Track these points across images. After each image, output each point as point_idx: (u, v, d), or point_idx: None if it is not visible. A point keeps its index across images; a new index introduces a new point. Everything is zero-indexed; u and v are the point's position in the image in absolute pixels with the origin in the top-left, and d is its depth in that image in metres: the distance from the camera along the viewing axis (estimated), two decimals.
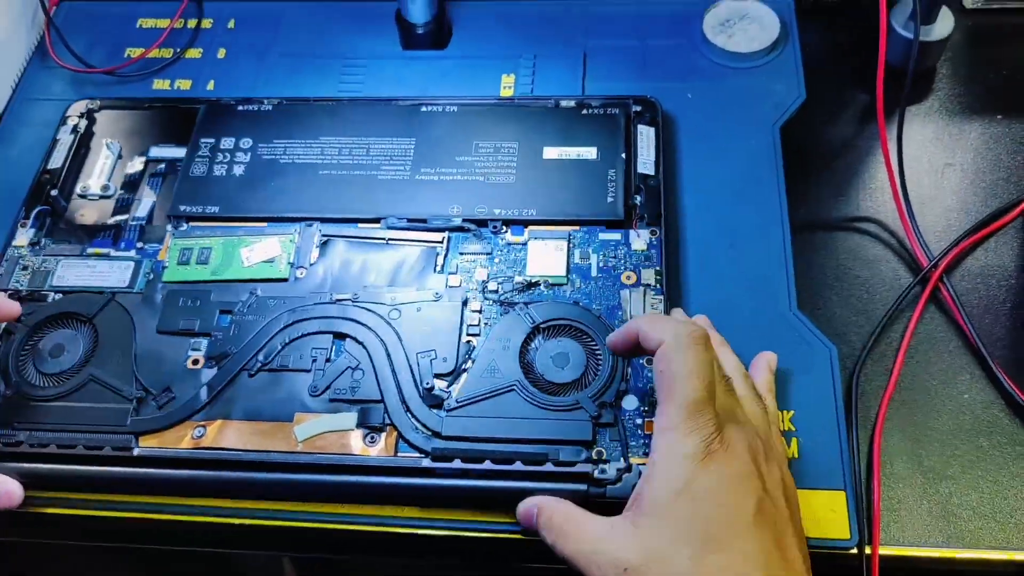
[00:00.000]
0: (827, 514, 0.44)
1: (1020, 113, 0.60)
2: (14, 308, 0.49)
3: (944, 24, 0.60)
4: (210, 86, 0.64)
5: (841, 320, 0.52)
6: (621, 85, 0.60)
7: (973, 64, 0.62)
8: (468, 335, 0.49)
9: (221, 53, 0.65)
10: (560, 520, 0.41)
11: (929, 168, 0.58)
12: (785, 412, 0.47)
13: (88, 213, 0.56)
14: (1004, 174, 0.57)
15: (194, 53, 0.66)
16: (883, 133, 0.53)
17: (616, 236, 0.52)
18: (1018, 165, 0.57)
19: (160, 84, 0.64)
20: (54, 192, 0.57)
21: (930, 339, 0.52)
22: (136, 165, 0.58)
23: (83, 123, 0.60)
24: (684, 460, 0.38)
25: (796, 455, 0.46)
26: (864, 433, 0.48)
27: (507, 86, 0.61)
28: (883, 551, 0.45)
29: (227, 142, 0.57)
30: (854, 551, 0.44)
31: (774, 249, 0.52)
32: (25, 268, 0.53)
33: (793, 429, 0.47)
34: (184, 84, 0.64)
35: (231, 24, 0.67)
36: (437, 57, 0.64)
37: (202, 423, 0.47)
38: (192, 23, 0.67)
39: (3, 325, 0.51)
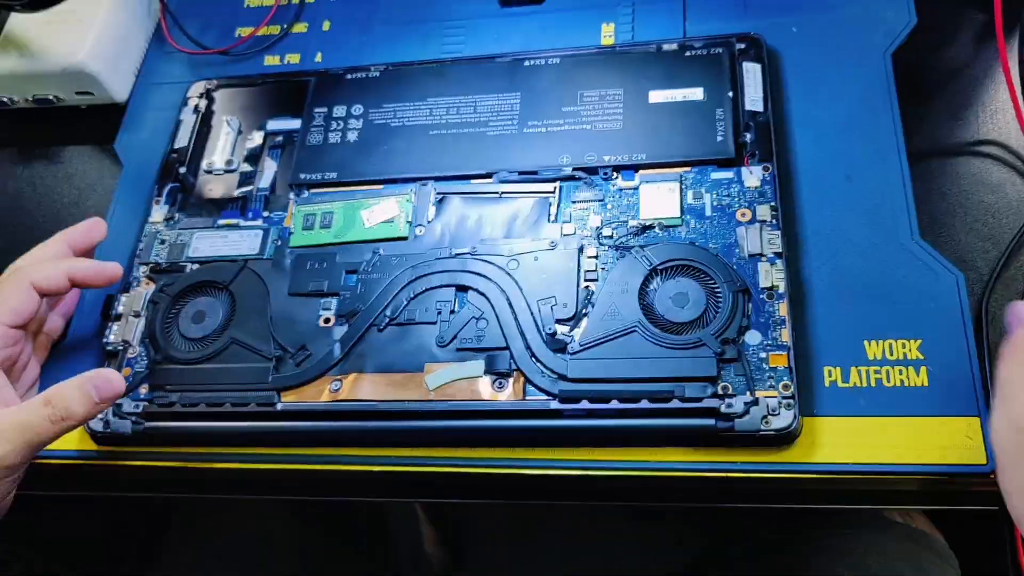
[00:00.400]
0: (962, 440, 0.44)
1: None
2: (116, 270, 0.52)
3: None
4: (318, 58, 0.65)
5: (966, 247, 0.51)
6: (723, 24, 0.59)
7: None
8: (586, 281, 0.50)
9: (326, 26, 0.67)
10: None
11: None
12: (912, 341, 0.47)
13: (215, 187, 0.59)
14: None
15: (300, 28, 0.68)
16: (1002, 47, 0.51)
17: (728, 175, 0.52)
18: None
19: (271, 60, 0.66)
20: (182, 170, 0.60)
21: None
22: (256, 139, 0.61)
23: (203, 103, 0.63)
24: None
25: (926, 383, 0.45)
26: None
27: (607, 35, 0.61)
28: None
29: (339, 110, 0.59)
30: (992, 476, 0.43)
31: (892, 178, 0.51)
32: (163, 242, 0.57)
33: (922, 357, 0.46)
34: (293, 58, 0.66)
35: None
36: (535, 12, 0.64)
37: (338, 377, 0.50)
38: None
39: (148, 295, 0.54)
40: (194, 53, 0.67)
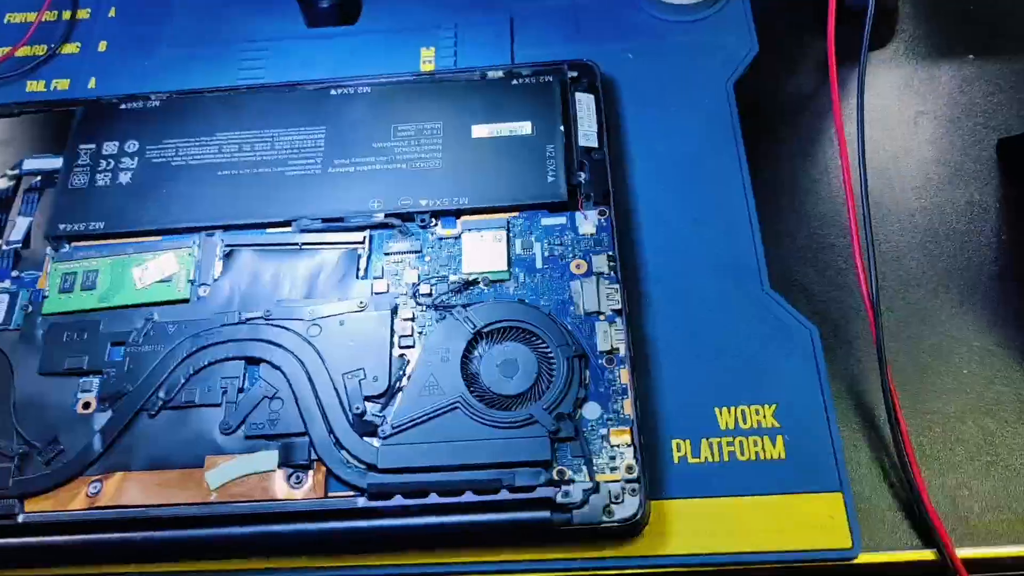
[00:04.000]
0: (825, 520, 0.39)
1: (991, 51, 0.54)
2: None
3: None
4: (91, 84, 0.56)
5: (820, 296, 0.47)
6: (554, 50, 0.54)
7: (936, 1, 0.57)
8: (401, 348, 0.43)
9: (102, 46, 0.58)
10: None
11: (900, 118, 0.53)
12: (767, 406, 0.42)
13: None
14: (982, 119, 0.52)
15: (71, 48, 0.58)
16: (834, 85, 0.47)
17: (560, 220, 0.46)
18: (995, 107, 0.52)
19: (34, 86, 0.57)
20: None
21: (918, 311, 0.46)
22: (7, 180, 0.51)
23: None
24: None
25: (783, 455, 0.40)
26: (854, 421, 0.43)
27: (427, 60, 0.55)
28: (887, 557, 0.39)
29: (110, 147, 0.50)
30: (857, 560, 0.38)
31: (739, 222, 0.47)
32: None
33: (778, 425, 0.41)
34: (62, 84, 0.56)
35: (112, 13, 0.60)
36: (347, 33, 0.57)
37: (97, 477, 0.41)
38: (67, 15, 0.59)
39: None
40: None
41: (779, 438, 0.41)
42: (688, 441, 0.41)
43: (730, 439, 0.41)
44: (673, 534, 0.39)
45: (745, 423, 0.42)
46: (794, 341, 0.43)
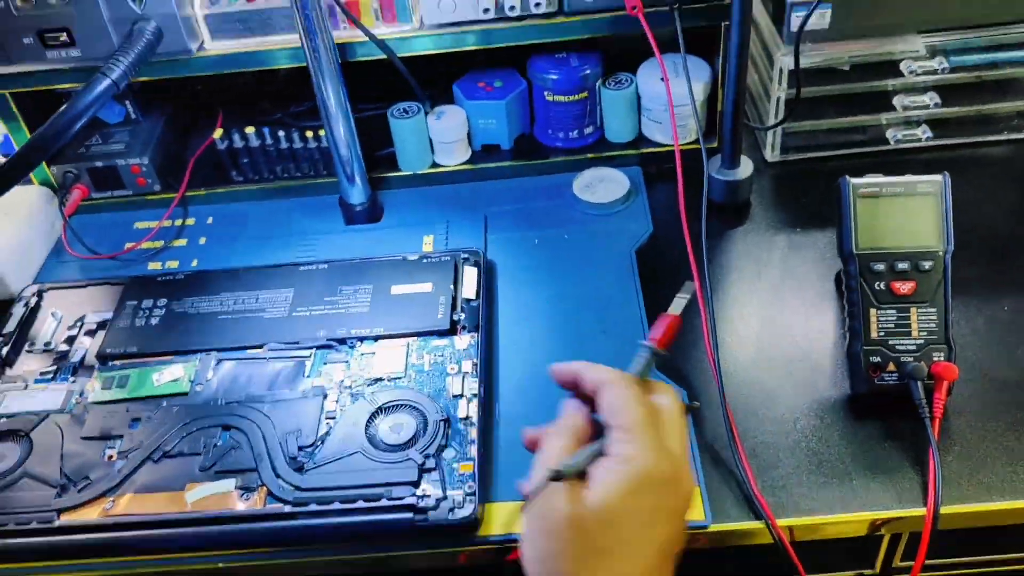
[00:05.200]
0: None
1: (811, 227, 0.79)
2: None
3: (746, 168, 0.79)
4: (194, 263, 0.81)
5: (688, 374, 0.67)
6: (515, 235, 0.80)
7: (776, 198, 0.83)
8: (327, 419, 0.63)
9: (202, 240, 0.84)
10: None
11: (746, 271, 0.76)
12: None
13: (33, 364, 0.71)
14: (804, 268, 0.76)
15: (180, 242, 0.84)
16: (691, 253, 0.70)
17: (444, 342, 0.68)
18: (808, 263, 0.76)
19: (154, 265, 0.82)
20: (5, 349, 0.71)
21: (754, 380, 0.66)
22: (74, 326, 0.74)
23: (34, 299, 0.76)
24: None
25: None
26: (709, 443, 0.62)
27: (427, 243, 0.80)
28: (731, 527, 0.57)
29: (147, 303, 0.74)
30: (710, 529, 0.57)
31: (633, 330, 0.69)
32: None
33: None
34: (172, 264, 0.82)
35: (210, 220, 0.86)
36: (374, 228, 0.83)
37: (112, 499, 0.60)
38: (179, 221, 0.86)
39: None
40: (86, 258, 0.81)
41: None
42: None
43: None
44: None
45: None
46: None
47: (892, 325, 0.62)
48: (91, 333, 0.73)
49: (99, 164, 0.85)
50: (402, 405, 0.63)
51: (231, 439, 0.63)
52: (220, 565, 0.58)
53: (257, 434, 0.62)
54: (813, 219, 0.80)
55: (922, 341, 0.61)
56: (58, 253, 0.84)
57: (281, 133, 0.85)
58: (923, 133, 0.84)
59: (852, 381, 0.64)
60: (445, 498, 0.58)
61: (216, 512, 0.58)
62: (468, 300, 0.71)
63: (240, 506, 0.59)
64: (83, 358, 0.71)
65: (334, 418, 0.63)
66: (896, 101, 0.83)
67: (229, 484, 0.60)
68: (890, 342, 0.62)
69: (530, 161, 0.87)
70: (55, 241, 0.85)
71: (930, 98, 0.82)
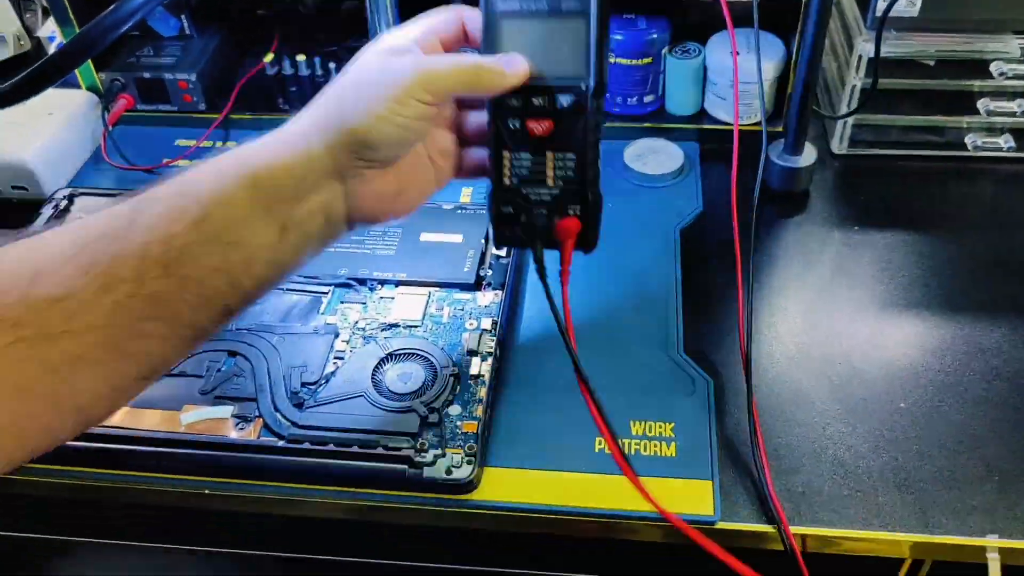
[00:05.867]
0: (697, 497, 0.54)
1: (871, 226, 0.74)
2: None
3: (808, 155, 0.75)
4: None
5: (719, 363, 0.63)
6: None
7: (838, 192, 0.78)
8: (335, 359, 0.61)
9: None
10: None
11: (797, 264, 0.71)
12: (668, 423, 0.58)
13: None
14: (859, 269, 0.71)
15: None
16: (736, 237, 0.66)
17: (467, 296, 0.65)
18: (866, 263, 0.71)
19: None
20: None
21: (787, 378, 0.63)
22: None
23: (64, 203, 0.75)
24: None
25: (675, 454, 0.56)
26: (730, 440, 0.59)
27: (465, 195, 0.76)
28: (740, 527, 0.54)
29: None
30: (717, 526, 0.54)
31: (670, 312, 0.66)
32: None
33: (674, 436, 0.57)
34: None
35: None
36: None
37: None
38: (220, 144, 0.84)
39: None
40: (124, 168, 0.80)
41: (673, 443, 0.57)
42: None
43: (638, 441, 0.57)
44: (585, 494, 0.55)
45: (651, 432, 0.58)
46: (695, 386, 0.60)
47: (526, 172, 0.51)
48: None
49: (147, 75, 0.83)
50: (413, 354, 0.61)
51: (235, 365, 0.61)
52: (207, 491, 0.56)
53: (262, 364, 0.60)
54: (874, 219, 0.75)
55: (558, 191, 0.51)
56: (96, 160, 0.83)
57: (332, 65, 0.83)
58: (1005, 143, 0.79)
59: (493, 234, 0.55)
60: (443, 455, 0.55)
61: (208, 437, 0.57)
62: (498, 257, 0.68)
63: (234, 434, 0.57)
64: None
65: (342, 359, 0.61)
66: (980, 104, 0.78)
67: (226, 411, 0.58)
68: (524, 191, 0.51)
69: None
70: (94, 148, 0.84)
71: (1018, 105, 0.77)
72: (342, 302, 0.65)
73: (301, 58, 0.82)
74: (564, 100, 0.48)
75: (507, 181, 0.51)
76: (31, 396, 0.39)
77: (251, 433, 0.57)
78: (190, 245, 0.41)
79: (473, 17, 0.49)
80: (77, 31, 0.81)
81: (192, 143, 0.83)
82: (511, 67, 0.47)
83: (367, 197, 0.47)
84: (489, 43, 0.48)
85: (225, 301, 0.43)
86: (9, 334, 0.37)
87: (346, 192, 0.46)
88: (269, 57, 0.83)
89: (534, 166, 0.50)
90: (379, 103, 0.44)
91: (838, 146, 0.81)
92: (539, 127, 0.49)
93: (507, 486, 0.55)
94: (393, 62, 0.45)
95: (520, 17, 0.48)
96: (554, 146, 0.50)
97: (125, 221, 0.41)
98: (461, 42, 0.50)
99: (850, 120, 0.78)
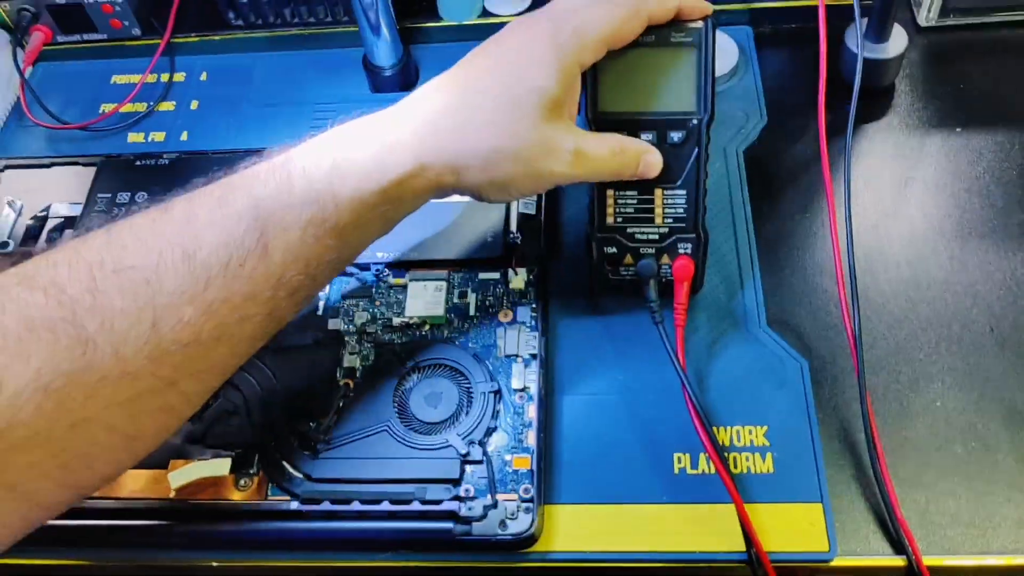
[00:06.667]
0: (805, 527, 0.44)
1: (977, 125, 0.60)
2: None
3: (897, 42, 0.60)
4: (183, 136, 0.65)
5: (811, 335, 0.52)
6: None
7: (931, 80, 0.63)
8: (345, 378, 0.50)
9: (194, 105, 0.67)
10: None
11: (891, 182, 0.58)
12: (759, 427, 0.48)
13: None
14: (965, 184, 0.57)
15: (167, 106, 0.67)
16: (824, 156, 0.53)
17: (495, 275, 0.53)
18: (979, 175, 0.58)
19: (134, 137, 0.66)
20: None
21: (899, 349, 0.51)
22: (35, 222, 0.59)
23: None
24: None
25: (772, 469, 0.46)
26: (836, 445, 0.48)
27: None
28: (862, 562, 0.45)
29: (123, 196, 0.59)
30: (834, 563, 0.44)
31: (742, 268, 0.54)
32: None
33: (768, 444, 0.47)
34: (158, 136, 0.65)
35: (203, 77, 0.69)
36: None
37: None
38: (165, 77, 0.69)
39: None
40: (53, 127, 0.66)
41: (769, 455, 0.47)
42: (688, 455, 0.47)
43: (726, 454, 0.47)
44: (671, 533, 0.45)
45: (739, 441, 0.48)
46: (786, 372, 0.49)
47: (632, 210, 0.48)
48: (57, 230, 0.59)
49: (61, 1, 0.67)
50: (440, 365, 0.50)
51: (225, 398, 0.49)
52: (215, 564, 0.47)
53: (256, 395, 0.49)
54: (981, 112, 0.61)
55: (667, 230, 0.49)
56: (18, 117, 0.68)
57: None
58: None
59: (590, 278, 0.52)
60: (494, 505, 0.45)
61: (205, 503, 0.46)
62: (527, 216, 0.55)
63: (236, 495, 0.47)
64: None
65: (354, 378, 0.50)
66: None
67: (223, 465, 0.47)
68: (629, 230, 0.49)
69: None
70: (13, 101, 0.69)
71: None
72: (344, 297, 0.53)
73: None
74: (675, 136, 0.47)
75: (611, 220, 0.49)
76: (139, 441, 0.38)
77: (255, 492, 0.47)
78: (323, 271, 0.41)
79: None
80: None
81: (133, 79, 0.69)
82: (652, 168, 0.46)
83: None
84: (595, 75, 0.46)
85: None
86: (127, 388, 0.35)
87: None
88: None
89: (641, 204, 0.49)
90: (514, 185, 0.43)
91: (926, 17, 0.65)
92: None
93: (573, 531, 0.46)
94: (550, 138, 0.42)
95: (627, 48, 0.45)
96: (663, 182, 0.48)
97: (254, 249, 0.38)
98: None
99: None
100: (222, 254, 0.38)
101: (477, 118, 0.41)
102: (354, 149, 0.41)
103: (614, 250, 0.50)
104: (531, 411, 0.48)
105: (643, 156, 0.46)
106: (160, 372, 0.36)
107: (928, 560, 0.44)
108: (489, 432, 0.47)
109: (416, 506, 0.45)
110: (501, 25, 0.45)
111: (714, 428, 0.48)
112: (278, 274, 0.39)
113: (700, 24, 0.46)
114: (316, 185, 0.40)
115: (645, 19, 0.44)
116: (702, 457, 0.47)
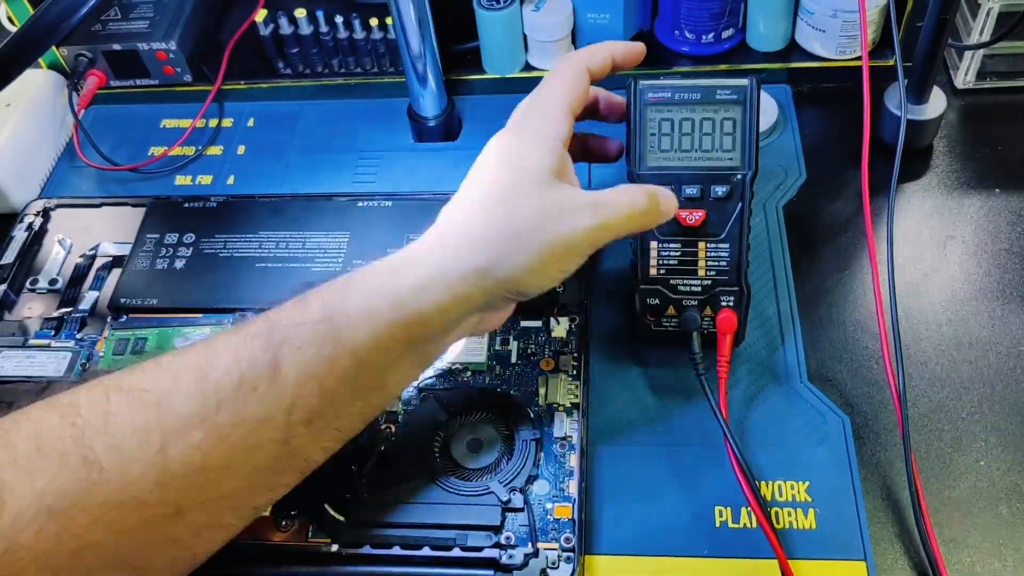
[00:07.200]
0: None
1: (1016, 186, 0.61)
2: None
3: (936, 104, 0.61)
4: (230, 180, 0.67)
5: (853, 392, 0.52)
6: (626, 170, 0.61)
7: (968, 141, 0.64)
8: (387, 423, 0.50)
9: (241, 150, 0.69)
10: None
11: (931, 241, 0.59)
12: (801, 483, 0.48)
13: (35, 306, 0.58)
14: (1006, 244, 0.58)
15: (215, 150, 0.69)
16: (867, 213, 0.53)
17: (537, 324, 0.53)
18: (1019, 235, 0.58)
19: (182, 180, 0.67)
20: (2, 287, 0.59)
21: (941, 407, 0.51)
22: (84, 260, 0.60)
23: (38, 221, 0.62)
24: None
25: (815, 525, 0.46)
26: (879, 502, 0.48)
27: None
28: None
29: (171, 237, 0.60)
30: None
31: (783, 322, 0.54)
32: None
33: (810, 499, 0.47)
34: (205, 179, 0.67)
35: (251, 123, 0.71)
36: (449, 148, 0.67)
37: None
38: (213, 122, 0.71)
39: None
40: (103, 168, 0.67)
41: (811, 510, 0.47)
42: (730, 508, 0.47)
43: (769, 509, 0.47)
44: None
45: (781, 496, 0.47)
46: (828, 428, 0.49)
47: (675, 262, 0.50)
48: (105, 269, 0.60)
49: (116, 47, 0.69)
50: (483, 411, 0.50)
51: None
52: None
53: None
54: (1019, 173, 0.61)
55: (709, 283, 0.49)
56: (70, 157, 0.70)
57: (339, 19, 0.68)
58: None
59: (632, 327, 0.52)
60: (536, 554, 0.45)
61: (248, 543, 0.46)
62: None
63: (277, 537, 0.47)
64: (93, 307, 0.58)
65: (396, 421, 0.50)
66: None
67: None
68: (671, 281, 0.50)
69: (648, 69, 0.68)
70: (66, 142, 0.71)
71: None
72: None
73: (300, 14, 0.68)
74: (720, 190, 0.48)
75: (654, 272, 0.50)
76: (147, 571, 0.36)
77: (296, 533, 0.47)
78: (341, 397, 0.39)
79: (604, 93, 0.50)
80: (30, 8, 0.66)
81: (183, 124, 0.70)
82: (669, 206, 0.45)
83: (495, 318, 0.47)
84: (638, 132, 0.48)
85: (353, 436, 0.42)
86: (133, 515, 0.34)
87: (481, 317, 0.44)
88: (261, 14, 0.68)
89: (684, 256, 0.50)
90: (546, 262, 0.40)
91: (963, 80, 0.66)
92: (692, 217, 0.49)
93: None
94: (563, 198, 0.41)
95: (671, 104, 0.47)
96: (707, 235, 0.49)
97: (266, 368, 0.37)
98: (587, 112, 0.50)
99: (981, 49, 0.64)
100: (234, 374, 0.37)
101: (485, 216, 0.41)
102: (369, 267, 0.41)
103: (657, 301, 0.50)
104: (573, 460, 0.48)
105: (658, 192, 0.44)
106: (167, 497, 0.35)
107: None
108: (531, 480, 0.47)
109: (457, 552, 0.45)
110: (540, 79, 0.47)
111: (757, 483, 0.47)
112: (291, 396, 0.37)
113: (746, 81, 0.47)
114: (328, 301, 0.39)
115: (585, 73, 0.46)
116: (744, 511, 0.47)
